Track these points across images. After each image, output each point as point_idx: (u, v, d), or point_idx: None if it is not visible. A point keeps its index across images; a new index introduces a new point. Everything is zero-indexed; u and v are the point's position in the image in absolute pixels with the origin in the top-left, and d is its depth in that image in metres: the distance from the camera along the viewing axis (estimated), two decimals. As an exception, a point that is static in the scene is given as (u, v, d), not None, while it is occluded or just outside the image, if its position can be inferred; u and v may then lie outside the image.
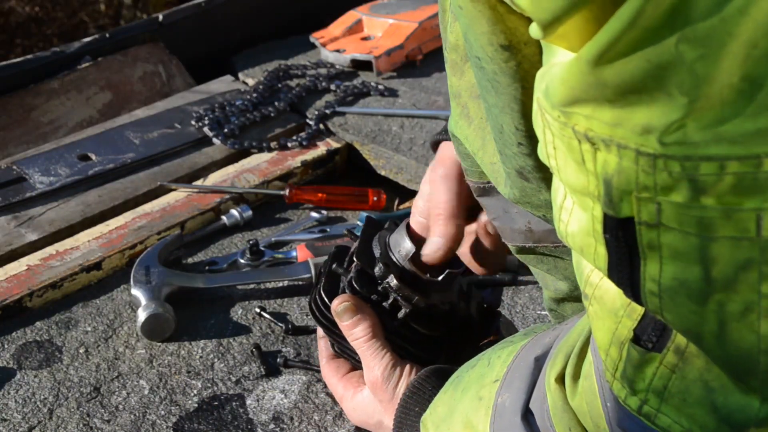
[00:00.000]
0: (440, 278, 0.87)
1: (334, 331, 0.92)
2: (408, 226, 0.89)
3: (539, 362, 0.68)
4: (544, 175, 0.69)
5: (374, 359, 0.88)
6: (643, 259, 0.46)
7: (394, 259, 0.88)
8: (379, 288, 0.89)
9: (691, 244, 0.44)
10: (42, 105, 1.51)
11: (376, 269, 0.90)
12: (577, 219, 0.50)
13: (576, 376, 0.61)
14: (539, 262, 0.86)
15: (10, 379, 1.04)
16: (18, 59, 1.55)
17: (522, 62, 0.60)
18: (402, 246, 0.89)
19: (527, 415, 0.67)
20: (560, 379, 0.63)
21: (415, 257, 0.88)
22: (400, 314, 0.88)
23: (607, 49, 0.41)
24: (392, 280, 0.88)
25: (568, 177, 0.48)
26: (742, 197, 0.41)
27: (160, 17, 1.69)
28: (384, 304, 0.89)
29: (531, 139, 0.65)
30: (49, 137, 1.47)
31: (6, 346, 1.08)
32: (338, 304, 0.89)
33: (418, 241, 0.90)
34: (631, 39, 0.40)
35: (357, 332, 0.89)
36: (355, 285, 0.90)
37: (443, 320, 0.91)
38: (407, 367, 0.88)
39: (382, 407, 0.89)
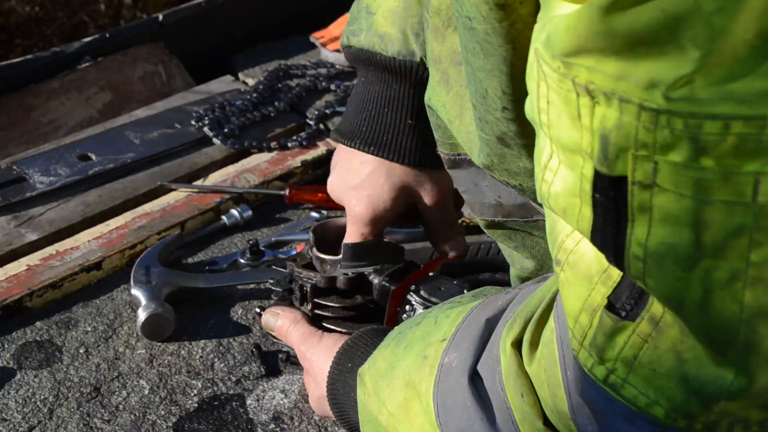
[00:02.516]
0: (339, 256, 0.95)
1: (286, 347, 0.98)
2: (315, 228, 0.99)
3: (490, 324, 0.67)
4: (527, 141, 0.68)
5: (297, 339, 0.92)
6: (630, 221, 0.45)
7: (302, 252, 0.99)
8: (292, 284, 0.98)
9: (685, 206, 0.43)
10: (42, 105, 1.51)
11: (287, 268, 0.99)
12: (562, 179, 0.48)
13: (534, 343, 0.60)
14: (507, 238, 0.86)
15: (10, 379, 1.04)
16: (18, 59, 1.55)
17: (516, 22, 0.60)
18: (309, 240, 0.98)
19: (474, 378, 0.66)
20: (516, 345, 0.62)
21: (323, 244, 0.97)
22: (308, 295, 0.94)
23: None
24: (294, 270, 0.97)
25: (559, 133, 0.47)
26: (743, 160, 0.40)
27: (160, 17, 1.69)
28: (296, 293, 0.97)
29: (517, 104, 0.65)
30: (49, 137, 1.47)
31: (6, 346, 1.08)
32: (264, 317, 0.97)
33: (333, 231, 0.99)
34: None
35: (283, 328, 0.93)
36: (274, 288, 1.00)
37: (353, 290, 0.94)
38: (327, 333, 0.91)
39: (311, 379, 0.90)
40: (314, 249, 0.97)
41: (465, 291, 0.88)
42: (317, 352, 0.88)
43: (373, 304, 0.94)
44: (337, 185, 0.99)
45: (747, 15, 0.38)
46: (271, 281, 1.02)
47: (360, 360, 0.81)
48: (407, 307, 0.91)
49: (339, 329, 0.92)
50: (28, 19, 2.75)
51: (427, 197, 0.96)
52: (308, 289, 0.94)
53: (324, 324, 0.94)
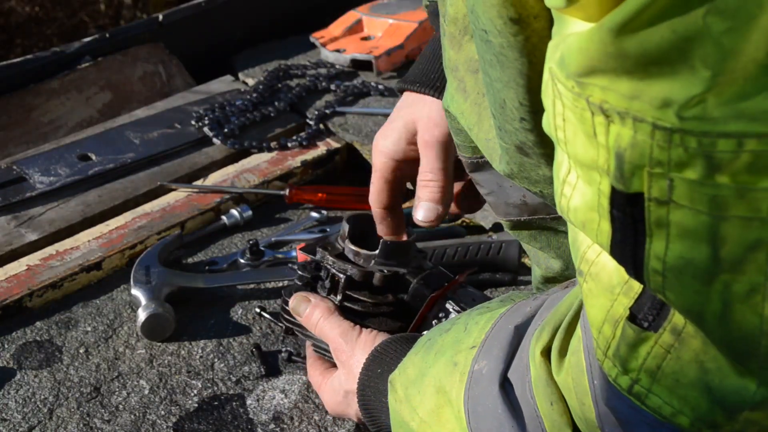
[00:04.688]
0: (378, 250, 0.93)
1: (303, 331, 0.97)
2: (348, 218, 0.97)
3: (519, 331, 0.68)
4: (545, 150, 0.68)
5: (332, 330, 0.90)
6: (648, 236, 0.45)
7: (331, 241, 0.98)
8: (321, 272, 0.96)
9: (701, 222, 0.43)
10: (42, 105, 1.51)
11: (318, 254, 0.97)
12: (581, 193, 0.49)
13: (563, 352, 0.61)
14: (532, 239, 0.86)
15: (10, 379, 1.04)
16: (18, 59, 1.55)
17: (530, 36, 0.60)
18: (341, 230, 0.97)
19: (505, 385, 0.66)
20: (546, 353, 0.62)
21: (353, 236, 0.96)
22: (340, 286, 0.93)
23: (632, 17, 0.40)
24: (327, 258, 0.95)
25: (576, 150, 0.47)
26: (758, 176, 0.41)
27: (160, 17, 1.69)
28: (325, 282, 0.95)
29: (534, 115, 0.65)
30: (49, 137, 1.47)
31: (6, 346, 1.08)
32: (293, 300, 0.95)
33: (366, 224, 0.98)
34: (659, 8, 0.39)
35: (314, 318, 0.92)
36: (300, 273, 0.99)
37: (386, 288, 0.93)
38: (366, 328, 0.90)
39: (344, 372, 0.89)
40: (348, 241, 0.96)
41: None
42: (357, 348, 0.88)
43: (402, 304, 0.94)
44: None
45: (757, 35, 0.38)
46: (293, 266, 1.02)
47: (389, 366, 0.81)
48: (440, 314, 0.91)
49: (366, 325, 0.91)
50: (28, 19, 2.75)
51: (424, 130, 0.92)
52: (341, 280, 0.93)
53: (349, 315, 0.94)
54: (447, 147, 0.92)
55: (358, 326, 0.90)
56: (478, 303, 0.89)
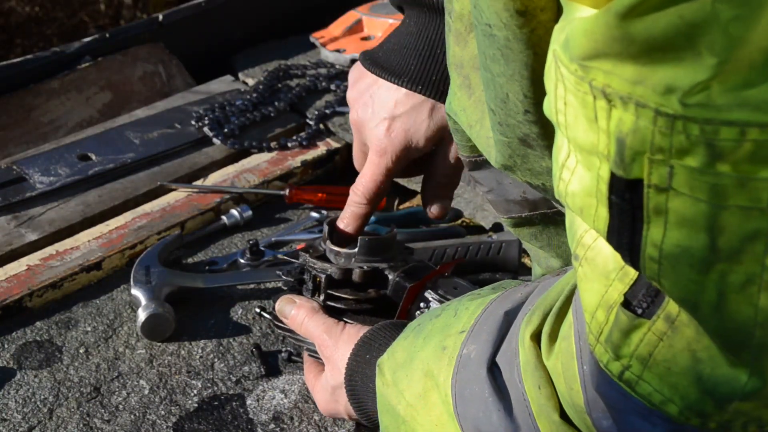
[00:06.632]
0: (357, 247, 0.95)
1: (295, 336, 0.97)
2: (329, 221, 0.99)
3: (509, 317, 0.68)
4: (549, 142, 0.68)
5: (317, 328, 0.91)
6: (646, 223, 0.45)
7: (313, 244, 1.00)
8: (305, 275, 0.98)
9: (700, 211, 0.43)
10: (42, 105, 1.51)
11: (300, 258, 0.99)
12: (579, 178, 0.49)
13: (553, 336, 0.61)
14: (533, 237, 0.86)
15: (10, 379, 1.04)
16: (18, 59, 1.55)
17: (536, 28, 0.60)
18: (323, 232, 0.99)
19: (493, 369, 0.66)
20: (535, 337, 0.62)
21: (333, 237, 0.98)
22: (322, 286, 0.95)
23: (640, 1, 0.40)
24: (309, 260, 0.97)
25: (576, 134, 0.47)
26: (759, 166, 0.41)
27: (160, 17, 1.69)
28: (308, 284, 0.97)
29: (538, 107, 0.65)
30: (49, 137, 1.47)
31: (6, 346, 1.08)
32: (278, 303, 0.97)
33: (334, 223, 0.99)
34: None
35: (299, 318, 0.93)
36: (285, 277, 1.01)
37: (368, 284, 0.95)
38: (348, 324, 0.91)
39: (330, 368, 0.89)
40: (328, 242, 0.97)
41: None
42: (341, 341, 0.89)
43: (385, 298, 0.94)
44: (366, 117, 0.95)
45: (765, 23, 0.38)
46: (279, 272, 1.03)
47: (378, 352, 0.82)
48: (421, 304, 0.92)
49: (349, 322, 0.92)
50: (28, 19, 2.75)
51: (454, 146, 0.94)
52: (322, 280, 0.95)
53: (334, 315, 0.94)
54: None
55: (342, 322, 0.91)
56: (462, 291, 0.90)
